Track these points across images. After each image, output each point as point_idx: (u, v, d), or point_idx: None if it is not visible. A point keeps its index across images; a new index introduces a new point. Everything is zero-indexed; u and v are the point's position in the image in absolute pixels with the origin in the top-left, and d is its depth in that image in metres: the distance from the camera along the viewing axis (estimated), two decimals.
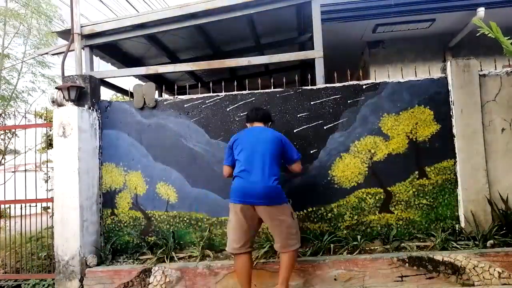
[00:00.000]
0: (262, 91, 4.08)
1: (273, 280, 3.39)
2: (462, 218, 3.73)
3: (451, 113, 3.81)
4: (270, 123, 3.54)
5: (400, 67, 4.38)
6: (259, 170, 3.05)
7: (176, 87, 4.87)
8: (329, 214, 3.89)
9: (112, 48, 5.26)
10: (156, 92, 4.30)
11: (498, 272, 3.23)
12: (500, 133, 3.78)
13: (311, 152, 3.94)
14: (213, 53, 5.96)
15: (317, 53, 4.20)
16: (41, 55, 6.27)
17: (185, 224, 4.04)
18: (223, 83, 4.50)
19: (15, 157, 4.74)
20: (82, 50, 4.49)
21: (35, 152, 4.32)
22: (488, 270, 3.24)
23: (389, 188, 3.85)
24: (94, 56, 4.90)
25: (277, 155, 3.15)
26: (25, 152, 4.96)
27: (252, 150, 3.13)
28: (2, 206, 4.75)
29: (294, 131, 3.98)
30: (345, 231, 3.84)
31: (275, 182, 3.05)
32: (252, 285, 3.14)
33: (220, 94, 4.14)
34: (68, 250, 3.73)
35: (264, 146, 3.12)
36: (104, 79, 4.82)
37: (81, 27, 4.38)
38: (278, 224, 3.05)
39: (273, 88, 4.14)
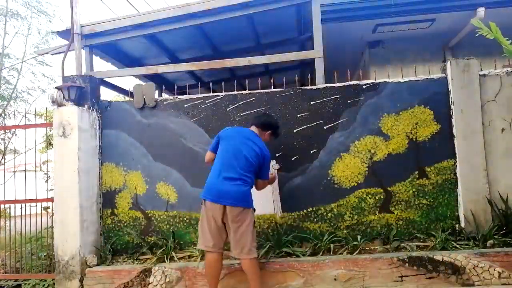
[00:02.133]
0: (262, 91, 4.08)
1: (274, 280, 3.39)
2: (462, 218, 3.73)
3: (451, 113, 3.81)
4: (269, 132, 3.43)
5: (400, 67, 4.38)
6: (234, 171, 3.05)
7: (176, 87, 4.87)
8: (329, 214, 3.89)
9: (112, 48, 5.26)
10: (156, 92, 4.30)
11: (498, 272, 3.22)
12: (500, 133, 3.78)
13: (311, 152, 3.94)
14: (213, 53, 5.96)
15: (317, 53, 4.20)
16: (41, 54, 6.26)
17: (185, 224, 4.04)
18: (223, 83, 4.50)
19: (15, 157, 4.74)
20: (82, 50, 4.49)
21: (35, 152, 4.31)
22: (488, 270, 3.24)
23: (389, 188, 3.85)
24: (94, 56, 4.90)
25: (254, 164, 3.13)
26: (25, 152, 4.96)
27: (234, 151, 3.13)
28: (2, 206, 4.74)
29: (294, 131, 3.98)
30: (345, 231, 3.85)
31: (247, 185, 3.07)
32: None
33: (220, 94, 4.14)
34: (68, 250, 3.73)
35: (246, 151, 3.12)
36: (104, 79, 4.82)
37: (81, 26, 4.38)
38: (237, 227, 3.02)
39: (273, 88, 4.14)
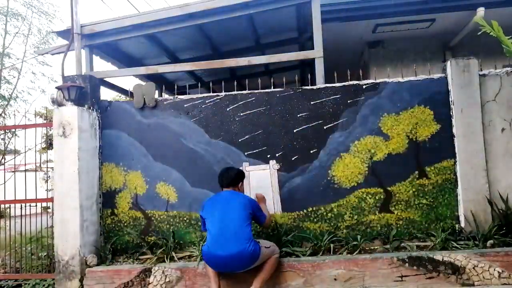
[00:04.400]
0: (262, 91, 4.08)
1: (273, 280, 3.39)
2: (462, 218, 3.73)
3: (451, 113, 3.81)
4: (241, 183, 3.50)
5: (400, 67, 4.39)
6: (231, 239, 3.01)
7: (176, 87, 4.86)
8: (329, 214, 3.89)
9: (112, 48, 5.25)
10: (156, 92, 4.30)
11: (498, 272, 3.22)
12: (500, 133, 3.78)
13: (311, 152, 3.94)
14: (213, 53, 5.96)
15: (317, 53, 4.20)
16: (42, 54, 6.26)
17: (185, 224, 4.04)
18: (223, 83, 4.50)
19: (15, 157, 4.74)
20: (82, 50, 4.49)
21: (35, 152, 4.32)
22: (488, 270, 3.24)
23: (389, 188, 3.85)
24: (94, 56, 4.90)
25: (247, 217, 3.14)
26: (25, 152, 4.96)
27: (221, 218, 3.11)
28: (2, 206, 4.74)
29: (294, 131, 3.98)
30: (345, 231, 3.85)
31: (251, 244, 3.02)
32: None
33: (220, 94, 4.14)
34: (68, 250, 3.73)
35: (233, 213, 3.12)
36: (104, 79, 4.82)
37: (81, 26, 4.38)
38: (261, 262, 3.17)
39: (273, 88, 4.14)
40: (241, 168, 3.86)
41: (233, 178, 3.40)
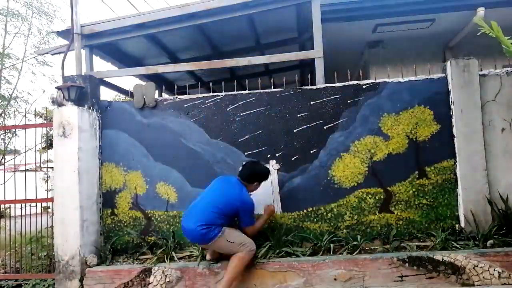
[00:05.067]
0: (262, 91, 4.08)
1: (274, 280, 3.39)
2: (462, 218, 3.73)
3: (451, 113, 3.81)
4: (256, 183, 3.51)
5: (400, 67, 4.38)
6: (193, 216, 3.28)
7: (176, 87, 4.87)
8: (329, 214, 3.89)
9: (112, 48, 5.26)
10: (156, 92, 4.30)
11: (498, 272, 3.22)
12: (500, 133, 3.78)
13: (311, 152, 3.94)
14: (213, 53, 5.96)
15: (317, 53, 4.20)
16: (42, 54, 6.26)
17: None
18: (223, 83, 4.50)
19: (15, 157, 4.74)
20: (82, 50, 4.49)
21: (35, 152, 4.32)
22: (488, 270, 3.24)
23: (389, 188, 3.85)
24: (94, 56, 4.90)
25: (222, 207, 3.25)
26: (25, 152, 4.96)
27: (202, 196, 3.42)
28: (2, 206, 4.74)
29: (294, 131, 3.98)
30: (345, 231, 3.85)
31: (203, 227, 3.18)
32: (252, 285, 3.14)
33: (220, 94, 4.14)
34: (68, 250, 3.73)
35: (213, 196, 3.35)
36: (104, 79, 4.81)
37: (81, 26, 4.38)
38: (222, 251, 3.35)
39: (273, 88, 4.14)
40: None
41: (246, 173, 3.48)
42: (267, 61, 4.56)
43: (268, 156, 3.98)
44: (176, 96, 4.24)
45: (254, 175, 3.48)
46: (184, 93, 4.34)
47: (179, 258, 3.77)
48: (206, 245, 3.33)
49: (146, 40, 4.99)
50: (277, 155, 3.96)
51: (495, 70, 3.84)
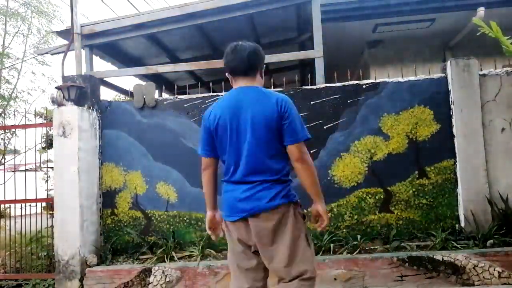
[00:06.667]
0: None
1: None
2: (462, 218, 3.73)
3: (451, 113, 3.81)
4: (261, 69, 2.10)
5: (400, 67, 4.38)
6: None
7: (176, 87, 4.87)
8: (329, 214, 3.86)
9: (112, 48, 5.25)
10: (156, 92, 4.30)
11: (498, 271, 3.22)
12: (500, 133, 3.78)
13: (311, 152, 3.93)
14: (213, 53, 5.95)
15: (317, 53, 4.20)
16: (41, 54, 6.26)
17: (185, 223, 4.04)
18: (223, 83, 4.50)
19: (15, 157, 4.74)
20: (82, 50, 4.48)
21: (35, 152, 4.31)
22: (488, 270, 3.24)
23: (389, 188, 3.85)
24: (94, 56, 4.90)
25: (274, 139, 1.98)
26: (25, 152, 4.96)
27: (238, 140, 1.98)
28: (2, 206, 4.74)
29: None
30: (345, 231, 3.84)
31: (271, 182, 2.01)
32: None
33: (220, 94, 4.15)
34: (68, 250, 3.73)
35: (254, 132, 1.93)
36: (104, 79, 4.81)
37: (81, 26, 4.38)
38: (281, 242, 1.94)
39: (273, 88, 4.14)
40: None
41: (251, 61, 2.03)
42: (267, 61, 4.54)
43: None
44: (176, 96, 4.24)
45: (253, 59, 2.04)
46: (184, 93, 4.34)
47: (179, 258, 3.77)
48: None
49: (146, 40, 4.98)
50: None
51: (495, 70, 3.85)
